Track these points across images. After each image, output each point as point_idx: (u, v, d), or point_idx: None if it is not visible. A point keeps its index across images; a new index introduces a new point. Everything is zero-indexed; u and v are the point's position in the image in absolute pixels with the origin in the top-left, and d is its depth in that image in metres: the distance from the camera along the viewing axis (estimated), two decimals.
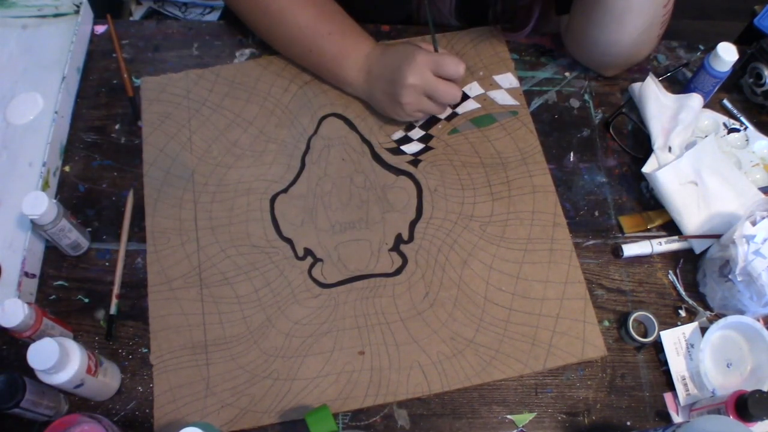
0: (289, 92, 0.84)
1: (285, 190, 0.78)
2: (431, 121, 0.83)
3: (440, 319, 0.72)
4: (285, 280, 0.73)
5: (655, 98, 0.81)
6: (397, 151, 0.81)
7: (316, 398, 0.68)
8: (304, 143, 0.81)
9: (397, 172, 0.80)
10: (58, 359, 0.58)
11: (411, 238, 0.76)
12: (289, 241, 0.76)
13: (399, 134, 0.82)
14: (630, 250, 0.75)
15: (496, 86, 0.85)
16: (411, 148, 0.81)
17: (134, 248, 0.75)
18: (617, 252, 0.76)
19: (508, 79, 0.86)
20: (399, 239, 0.76)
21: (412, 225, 0.77)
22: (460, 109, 0.84)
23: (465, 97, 0.85)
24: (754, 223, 0.69)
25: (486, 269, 0.74)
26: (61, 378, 0.59)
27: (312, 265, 0.74)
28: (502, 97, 0.85)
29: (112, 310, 0.71)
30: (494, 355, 0.70)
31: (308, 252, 0.75)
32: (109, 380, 0.66)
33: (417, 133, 0.82)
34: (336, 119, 0.83)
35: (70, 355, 0.60)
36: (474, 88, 0.85)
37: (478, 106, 0.84)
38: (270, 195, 0.78)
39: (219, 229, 0.76)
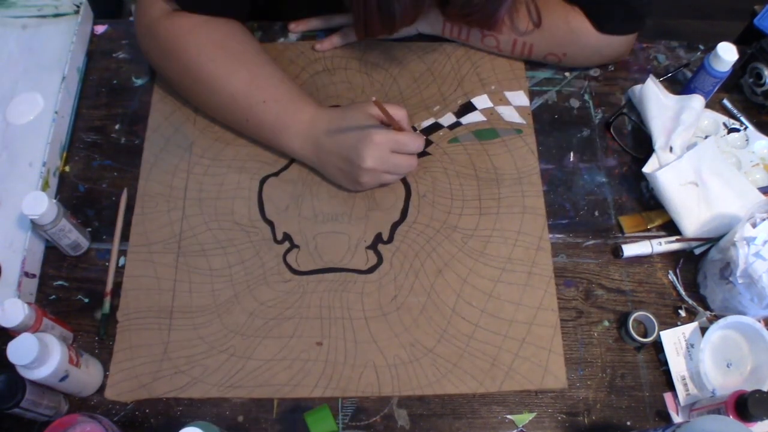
0: (299, 79, 0.85)
1: (276, 174, 0.79)
2: (433, 127, 0.83)
3: (404, 324, 0.72)
4: (259, 261, 0.74)
5: (656, 99, 0.81)
6: None
7: (267, 380, 0.69)
8: None
9: None
10: (39, 353, 0.58)
11: (390, 239, 0.76)
12: (270, 223, 0.76)
13: None
14: (630, 250, 0.75)
15: (506, 102, 0.85)
16: None
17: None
18: (617, 252, 0.76)
19: (519, 97, 0.85)
20: (378, 238, 0.76)
21: (394, 226, 0.77)
22: (464, 120, 0.83)
23: (472, 108, 0.84)
24: (754, 225, 0.69)
25: (459, 282, 0.74)
26: (45, 371, 0.60)
27: (288, 251, 0.75)
28: (509, 114, 0.84)
29: (105, 308, 0.72)
30: (451, 368, 0.70)
31: (287, 237, 0.76)
32: (92, 370, 0.66)
33: None
34: None
35: (50, 347, 0.61)
36: (483, 101, 0.85)
37: (484, 119, 0.84)
38: (261, 176, 0.79)
39: (206, 201, 0.77)
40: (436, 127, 0.83)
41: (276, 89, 0.75)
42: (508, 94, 0.85)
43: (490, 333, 0.72)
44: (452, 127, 0.83)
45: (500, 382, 0.69)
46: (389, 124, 0.72)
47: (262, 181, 0.79)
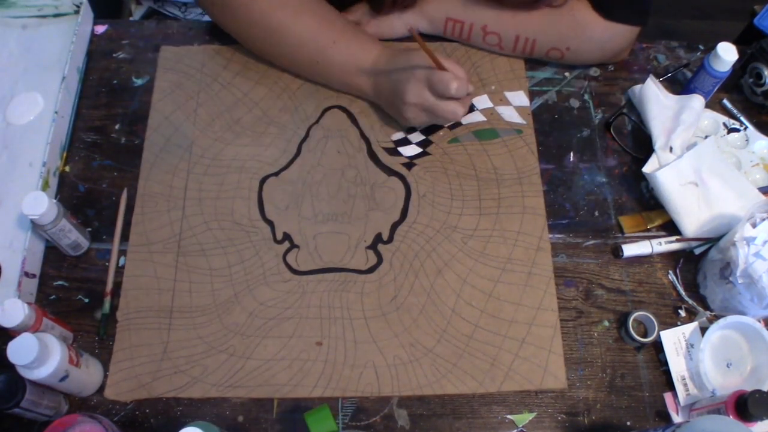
0: (299, 80, 0.85)
1: (276, 174, 0.79)
2: (432, 128, 0.83)
3: (404, 324, 0.72)
4: (259, 261, 0.74)
5: (656, 99, 0.81)
6: (393, 152, 0.81)
7: (266, 380, 0.69)
8: (304, 130, 0.82)
9: (390, 172, 0.80)
10: (39, 353, 0.58)
11: (390, 239, 0.76)
12: (270, 223, 0.76)
13: (398, 135, 0.82)
14: (630, 250, 0.75)
15: (506, 102, 0.85)
16: (408, 151, 0.81)
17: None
18: (617, 252, 0.76)
19: (519, 97, 0.85)
20: (378, 238, 0.76)
21: (394, 226, 0.77)
22: (464, 120, 0.83)
23: (472, 108, 0.84)
24: (754, 225, 0.69)
25: (459, 282, 0.74)
26: (45, 371, 0.60)
27: (288, 251, 0.75)
28: (509, 114, 0.84)
29: (105, 308, 0.72)
30: (451, 368, 0.70)
31: (287, 237, 0.76)
32: (92, 370, 0.67)
33: (417, 137, 0.82)
34: (339, 111, 0.83)
35: (50, 347, 0.61)
36: (483, 101, 0.85)
37: (484, 119, 0.84)
38: (261, 176, 0.79)
39: (206, 201, 0.77)
40: (436, 127, 0.83)
41: (343, 31, 0.79)
42: (508, 94, 0.85)
43: (490, 333, 0.72)
44: (452, 127, 0.83)
45: (500, 382, 0.69)
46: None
47: (262, 181, 0.79)
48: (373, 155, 0.81)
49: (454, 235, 0.77)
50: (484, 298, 0.73)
